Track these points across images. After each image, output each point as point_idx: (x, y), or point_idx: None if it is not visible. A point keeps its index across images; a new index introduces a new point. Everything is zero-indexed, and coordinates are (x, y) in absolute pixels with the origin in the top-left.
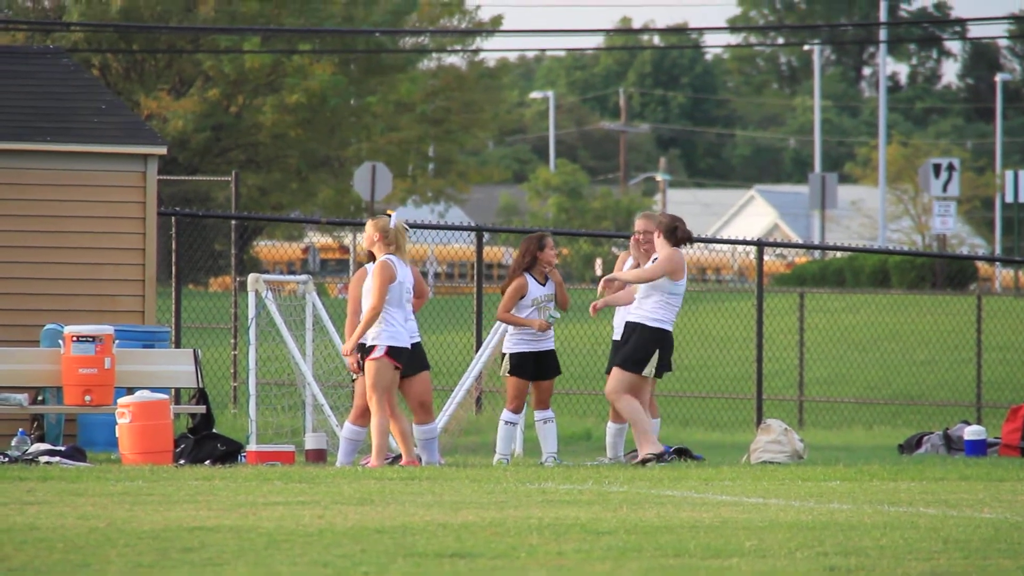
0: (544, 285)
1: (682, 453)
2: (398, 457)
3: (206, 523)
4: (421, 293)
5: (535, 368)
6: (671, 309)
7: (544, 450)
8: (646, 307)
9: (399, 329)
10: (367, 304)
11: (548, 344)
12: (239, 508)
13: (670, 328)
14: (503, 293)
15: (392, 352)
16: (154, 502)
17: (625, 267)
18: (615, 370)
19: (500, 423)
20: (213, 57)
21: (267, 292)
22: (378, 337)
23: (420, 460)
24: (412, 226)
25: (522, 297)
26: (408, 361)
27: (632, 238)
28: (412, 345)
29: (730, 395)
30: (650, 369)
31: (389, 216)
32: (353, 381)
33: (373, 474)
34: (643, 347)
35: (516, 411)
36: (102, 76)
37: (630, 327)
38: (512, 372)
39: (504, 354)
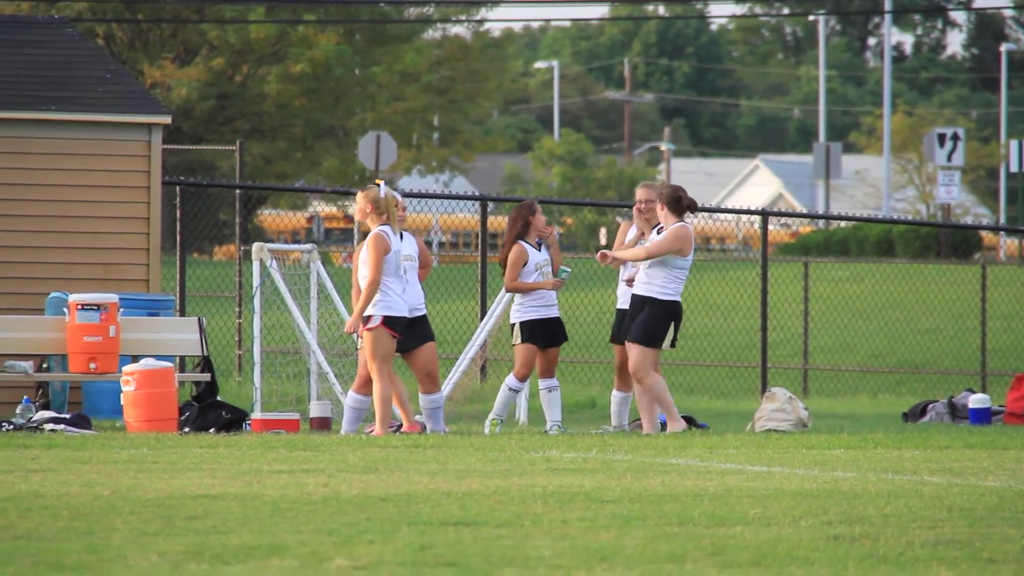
0: (540, 250)
1: (687, 421)
2: (401, 425)
3: (211, 491)
4: (425, 263)
5: (544, 335)
6: (679, 282)
7: (548, 418)
8: (656, 280)
9: (395, 299)
10: (364, 278)
11: (554, 311)
12: (244, 476)
13: (680, 300)
14: (502, 264)
15: (388, 321)
16: (159, 470)
17: (628, 237)
18: (635, 347)
19: (503, 387)
20: (218, 27)
21: (271, 261)
22: (374, 307)
23: (424, 427)
24: (416, 195)
25: (524, 264)
26: (412, 331)
27: (634, 207)
28: (418, 317)
29: (735, 363)
30: (668, 342)
31: (378, 186)
32: (357, 350)
33: (378, 442)
34: (659, 321)
35: (523, 379)
36: (106, 46)
37: (640, 300)
38: (524, 340)
39: (513, 324)
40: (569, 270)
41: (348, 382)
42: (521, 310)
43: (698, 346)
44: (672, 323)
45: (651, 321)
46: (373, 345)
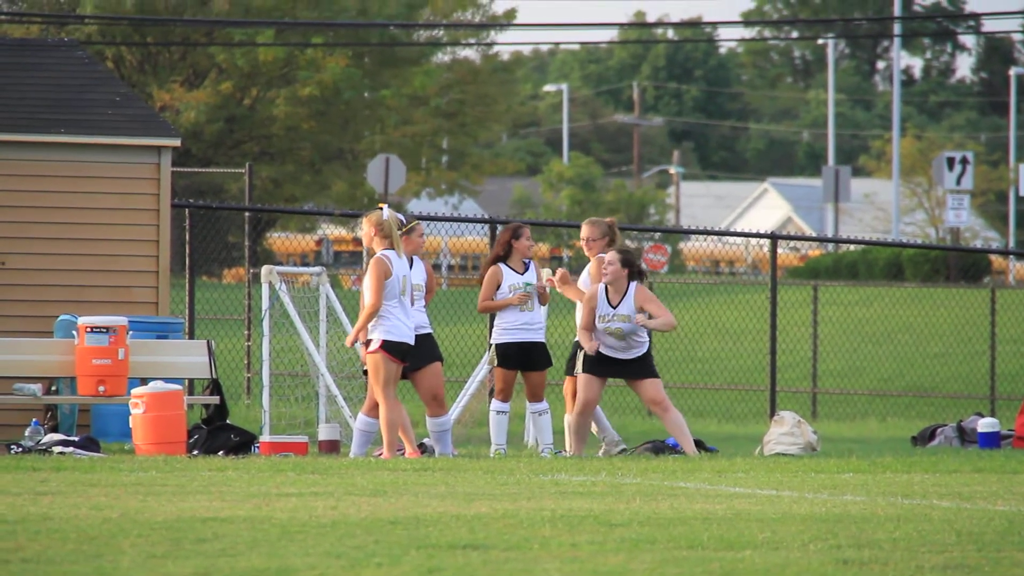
0: (523, 274)
1: (696, 445)
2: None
3: (219, 514)
4: (430, 288)
5: (522, 359)
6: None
7: (540, 442)
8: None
9: (395, 323)
10: (365, 301)
11: (536, 336)
12: (252, 499)
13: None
14: (480, 285)
15: (388, 346)
16: (167, 493)
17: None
18: (653, 382)
19: (491, 413)
20: (227, 50)
21: (281, 284)
22: (374, 332)
23: (425, 449)
24: (426, 219)
25: (498, 286)
26: (415, 353)
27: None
28: (422, 336)
29: (744, 387)
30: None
31: (381, 209)
32: (365, 373)
33: (386, 465)
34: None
35: (504, 400)
36: (116, 68)
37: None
38: (499, 363)
39: (490, 346)
40: (533, 283)
41: (357, 405)
42: (497, 332)
43: (707, 369)
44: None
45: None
46: (374, 371)
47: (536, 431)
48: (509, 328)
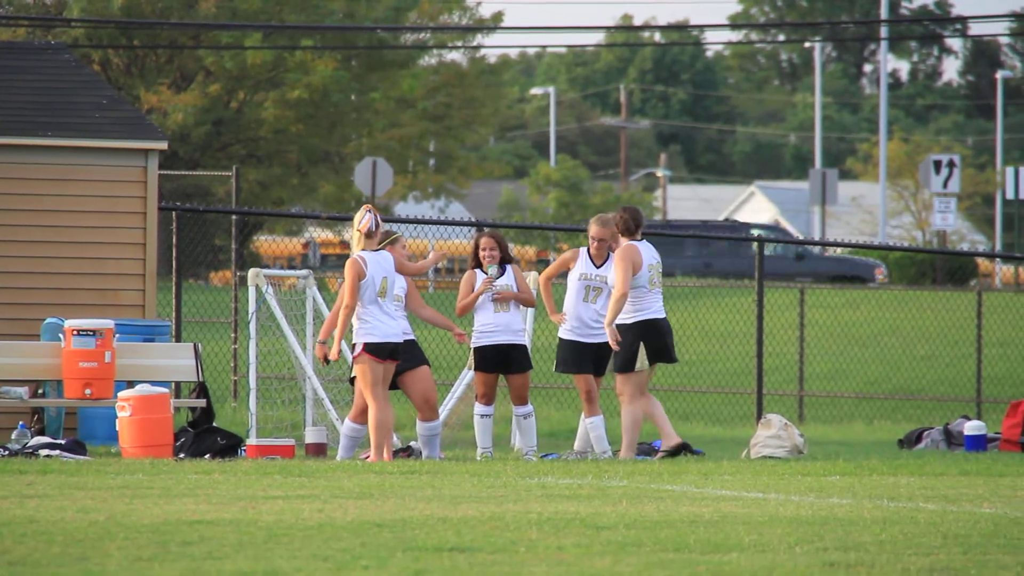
0: (497, 278)
1: (682, 448)
2: (401, 451)
3: (206, 517)
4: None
5: (500, 362)
6: (642, 299)
7: (524, 445)
8: (625, 308)
9: (375, 324)
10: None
11: (515, 338)
12: (239, 502)
13: (651, 316)
14: None
15: (371, 348)
16: (154, 496)
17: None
18: (617, 376)
19: (475, 417)
20: (214, 53)
21: (267, 287)
22: (356, 336)
23: (411, 452)
24: (412, 221)
25: (472, 289)
26: (403, 355)
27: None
28: (407, 343)
29: (730, 390)
30: (641, 363)
31: (367, 212)
32: (351, 381)
33: (373, 468)
34: (627, 346)
35: (486, 403)
36: (103, 71)
37: (620, 331)
38: (476, 366)
39: (471, 348)
40: (494, 270)
41: (344, 408)
42: (475, 336)
43: (694, 372)
44: (641, 343)
45: (622, 348)
46: (361, 375)
47: (520, 434)
48: (484, 331)
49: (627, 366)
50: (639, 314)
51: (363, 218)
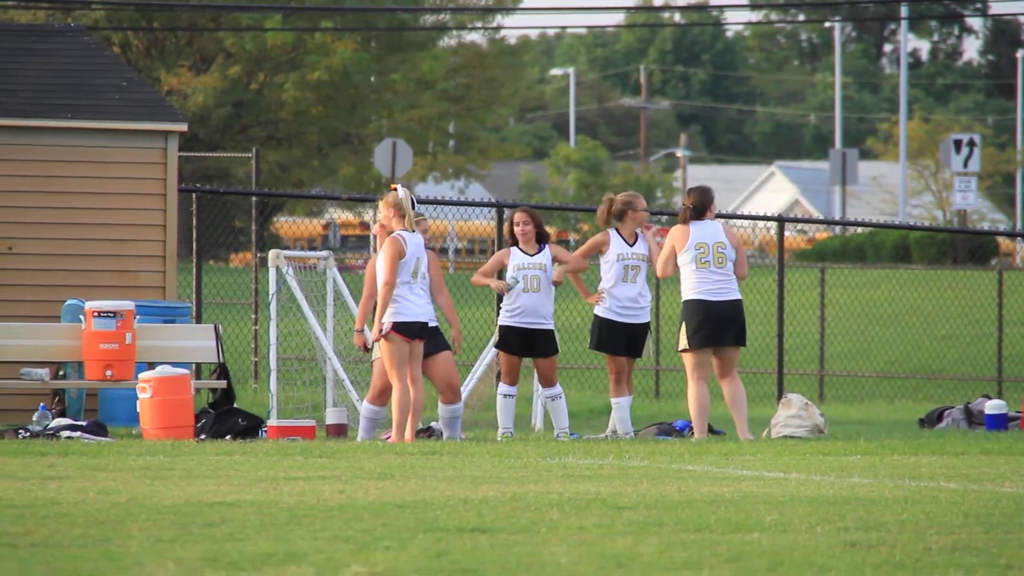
0: (533, 255)
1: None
2: (422, 431)
3: (227, 498)
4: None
5: (524, 345)
6: (686, 279)
7: (556, 426)
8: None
9: (404, 303)
10: (379, 281)
11: (540, 322)
12: (260, 483)
13: (693, 296)
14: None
15: (399, 327)
16: (175, 477)
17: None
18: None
19: (498, 396)
20: (234, 34)
21: (288, 268)
22: (384, 316)
23: (432, 433)
24: (432, 202)
25: (504, 266)
26: (426, 338)
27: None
28: (429, 328)
29: (751, 370)
30: (683, 343)
31: (395, 190)
32: (373, 359)
33: (394, 449)
34: (680, 328)
35: (510, 383)
36: (123, 54)
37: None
38: (499, 345)
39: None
40: (520, 281)
41: (364, 389)
42: (502, 315)
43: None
44: (685, 322)
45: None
46: (386, 354)
47: (552, 416)
48: (509, 313)
49: (680, 345)
50: (685, 293)
51: (403, 198)
